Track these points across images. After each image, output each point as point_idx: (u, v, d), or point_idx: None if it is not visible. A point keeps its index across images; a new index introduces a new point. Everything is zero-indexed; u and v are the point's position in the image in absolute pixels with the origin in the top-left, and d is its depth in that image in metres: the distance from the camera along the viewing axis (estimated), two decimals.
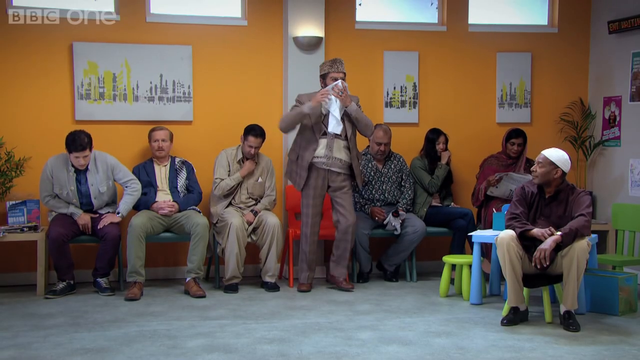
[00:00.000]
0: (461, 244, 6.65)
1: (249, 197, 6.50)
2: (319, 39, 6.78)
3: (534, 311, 5.42)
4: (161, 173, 6.46)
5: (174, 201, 6.33)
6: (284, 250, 6.63)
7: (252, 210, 6.40)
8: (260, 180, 6.54)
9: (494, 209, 6.24)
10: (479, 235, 5.83)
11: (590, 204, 5.21)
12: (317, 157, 6.13)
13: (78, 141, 5.98)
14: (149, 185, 6.39)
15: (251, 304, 5.84)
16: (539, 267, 5.02)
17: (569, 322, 5.02)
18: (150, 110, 6.70)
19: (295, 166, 6.22)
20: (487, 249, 6.23)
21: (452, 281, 6.18)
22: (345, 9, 7.04)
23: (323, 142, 6.12)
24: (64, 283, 6.11)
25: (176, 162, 6.51)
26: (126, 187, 6.26)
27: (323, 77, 6.12)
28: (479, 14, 7.35)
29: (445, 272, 6.07)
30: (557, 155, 5.28)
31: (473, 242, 5.83)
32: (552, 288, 5.43)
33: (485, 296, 5.93)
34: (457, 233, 6.65)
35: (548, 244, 4.97)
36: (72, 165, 6.10)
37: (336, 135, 6.10)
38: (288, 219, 6.79)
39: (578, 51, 7.42)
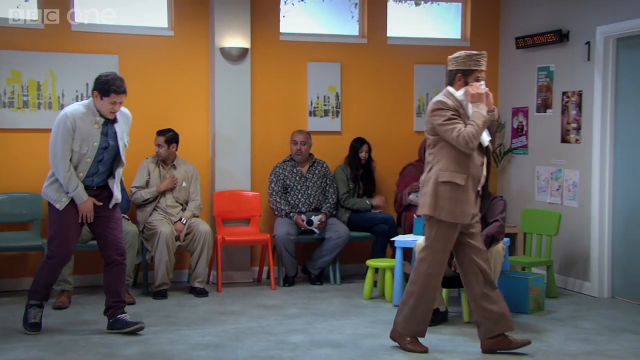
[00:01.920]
0: (383, 248, 6.97)
1: (175, 201, 6.63)
2: (245, 50, 6.96)
3: (453, 311, 5.76)
4: None
5: None
6: (212, 256, 6.77)
7: (180, 219, 6.53)
8: (184, 184, 6.68)
9: (414, 215, 6.59)
10: (401, 240, 6.15)
11: (504, 209, 5.62)
12: None
13: (119, 82, 5.04)
14: None
15: (182, 310, 5.96)
16: (456, 271, 5.36)
17: None
18: None
19: (458, 192, 4.61)
20: (408, 252, 6.56)
21: (374, 284, 6.48)
22: (270, 21, 7.23)
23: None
24: (39, 309, 5.27)
25: None
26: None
27: (464, 74, 4.69)
28: (397, 27, 7.67)
29: (369, 275, 6.36)
30: None
31: (395, 247, 6.15)
32: None
33: None
34: (379, 237, 6.97)
35: None
36: (100, 116, 5.11)
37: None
38: (215, 225, 6.94)
39: (488, 64, 7.42)
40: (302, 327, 5.43)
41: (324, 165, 7.15)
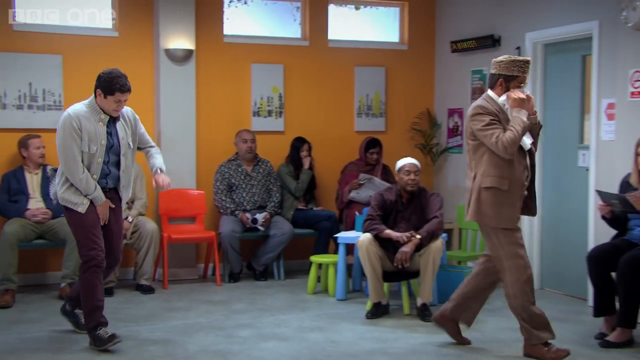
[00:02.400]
0: (326, 244, 7.18)
1: None
2: (190, 51, 7.07)
3: (394, 304, 6.00)
4: (33, 181, 6.51)
5: (47, 208, 6.41)
6: (158, 254, 6.86)
7: (126, 218, 6.61)
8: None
9: (356, 212, 6.84)
10: (344, 236, 6.38)
11: (442, 205, 5.88)
12: None
13: (122, 79, 4.85)
14: (20, 193, 6.43)
15: (130, 306, 6.05)
16: (400, 267, 5.62)
17: (424, 313, 5.66)
18: (20, 119, 6.73)
19: (501, 196, 4.60)
20: (350, 248, 6.78)
21: (318, 279, 6.68)
22: (214, 23, 7.35)
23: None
24: (104, 327, 4.92)
25: (48, 170, 6.58)
26: (151, 147, 5.29)
27: (506, 79, 4.63)
28: (338, 30, 7.90)
29: (313, 270, 6.57)
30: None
31: (338, 243, 6.37)
32: (408, 282, 6.04)
33: (349, 292, 6.46)
34: (322, 234, 7.18)
35: (409, 247, 5.57)
36: (104, 113, 4.92)
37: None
38: (161, 223, 7.03)
39: (425, 67, 8.16)
40: (249, 322, 5.58)
41: (268, 165, 7.33)
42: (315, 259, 6.61)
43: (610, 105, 5.98)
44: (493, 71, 4.70)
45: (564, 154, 6.62)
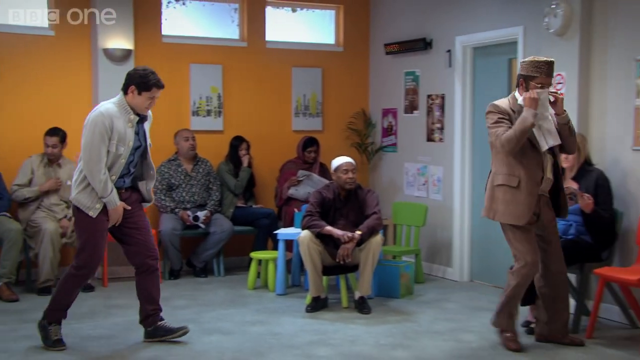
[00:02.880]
0: (265, 241, 7.32)
1: (60, 199, 6.68)
2: (129, 51, 7.09)
3: (332, 298, 6.18)
4: None
5: None
6: None
7: (66, 216, 6.61)
8: (69, 183, 6.75)
9: (294, 209, 7.01)
10: (284, 233, 6.53)
11: (379, 201, 6.10)
12: None
13: (157, 75, 4.76)
14: None
15: None
16: (341, 262, 5.79)
17: (362, 306, 5.85)
18: None
19: (511, 194, 4.74)
20: (289, 243, 6.92)
21: (257, 274, 6.81)
22: (152, 23, 7.40)
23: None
24: (58, 326, 4.93)
25: None
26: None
27: (525, 79, 4.74)
28: (275, 32, 8.04)
29: (253, 266, 6.70)
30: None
31: (278, 239, 6.51)
32: (346, 276, 6.22)
33: (288, 287, 6.62)
34: (261, 231, 7.32)
35: (351, 243, 5.74)
36: (134, 113, 4.78)
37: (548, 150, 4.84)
38: None
39: (360, 68, 8.37)
40: (191, 317, 5.66)
41: (208, 164, 7.42)
42: (256, 255, 6.74)
43: None
44: (518, 72, 4.86)
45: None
